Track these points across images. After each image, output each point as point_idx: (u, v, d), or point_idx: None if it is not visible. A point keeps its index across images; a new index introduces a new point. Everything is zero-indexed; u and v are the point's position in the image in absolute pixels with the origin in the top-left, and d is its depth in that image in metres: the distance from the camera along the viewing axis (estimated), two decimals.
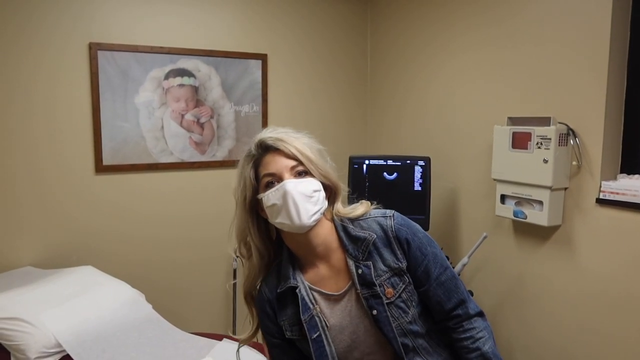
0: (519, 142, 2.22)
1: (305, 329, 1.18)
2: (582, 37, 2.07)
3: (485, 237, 2.38)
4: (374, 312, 1.16)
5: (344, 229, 1.21)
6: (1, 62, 2.45)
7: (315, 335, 1.18)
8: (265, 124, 3.11)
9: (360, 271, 1.17)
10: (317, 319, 1.19)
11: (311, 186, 1.14)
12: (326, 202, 1.19)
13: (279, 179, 1.15)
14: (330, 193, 1.22)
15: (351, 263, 1.18)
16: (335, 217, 1.23)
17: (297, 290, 1.19)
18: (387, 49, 3.25)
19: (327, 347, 1.18)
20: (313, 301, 1.20)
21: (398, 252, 1.19)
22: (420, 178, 2.63)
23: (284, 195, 1.12)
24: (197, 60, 2.88)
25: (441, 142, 2.83)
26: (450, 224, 2.80)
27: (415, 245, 1.20)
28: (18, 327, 1.93)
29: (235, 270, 3.07)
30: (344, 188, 1.25)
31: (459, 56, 2.68)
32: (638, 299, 1.93)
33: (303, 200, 1.12)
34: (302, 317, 1.18)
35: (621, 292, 1.99)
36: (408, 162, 2.65)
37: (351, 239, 1.19)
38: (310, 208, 1.13)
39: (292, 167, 1.15)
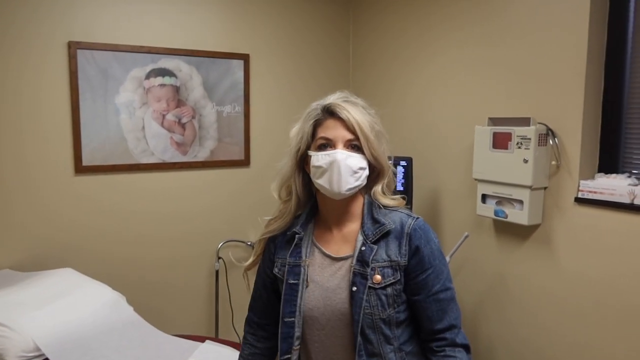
0: (500, 142, 2.25)
1: (285, 270, 1.27)
2: (560, 40, 2.10)
3: (466, 237, 2.41)
4: (354, 288, 1.18)
5: (370, 209, 1.25)
6: None
7: (292, 281, 1.25)
8: (247, 124, 3.09)
9: (363, 248, 1.20)
10: (302, 269, 1.25)
11: (359, 163, 1.20)
12: (366, 180, 1.23)
13: (333, 145, 1.21)
14: (375, 174, 1.26)
15: (360, 238, 1.22)
16: (367, 196, 1.27)
17: (297, 237, 1.27)
18: (369, 49, 3.26)
19: (297, 298, 1.24)
20: (307, 253, 1.27)
21: (403, 248, 1.20)
22: (403, 178, 2.65)
23: (332, 163, 1.18)
24: (178, 60, 2.86)
25: (423, 142, 2.85)
26: (432, 223, 2.82)
27: (424, 252, 1.20)
28: None
29: (217, 272, 3.05)
30: (390, 174, 1.28)
31: (440, 57, 2.71)
32: (615, 296, 1.97)
33: (347, 173, 1.18)
34: (287, 259, 1.27)
35: (599, 290, 2.03)
36: (390, 162, 2.66)
37: (372, 219, 1.23)
38: (351, 181, 1.19)
39: (349, 140, 1.20)
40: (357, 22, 3.37)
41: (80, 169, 2.66)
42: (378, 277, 1.18)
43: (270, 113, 3.18)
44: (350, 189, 1.20)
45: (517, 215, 2.22)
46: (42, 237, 2.62)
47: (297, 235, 1.28)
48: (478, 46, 2.48)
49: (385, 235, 1.21)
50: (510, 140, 2.20)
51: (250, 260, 1.38)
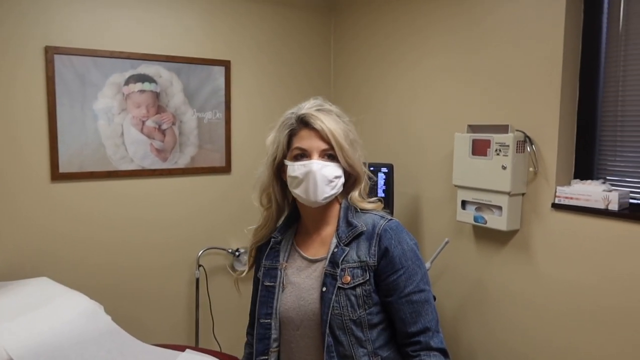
0: (479, 149, 2.29)
1: (261, 272, 1.33)
2: (537, 50, 2.15)
3: (447, 243, 2.43)
4: (324, 288, 1.21)
5: (346, 213, 1.28)
6: None
7: (268, 283, 1.31)
8: (228, 130, 3.08)
9: (335, 250, 1.23)
10: (278, 272, 1.31)
11: (334, 172, 1.23)
12: (342, 188, 1.27)
13: (308, 155, 1.23)
14: (352, 180, 1.30)
15: (334, 241, 1.24)
16: (344, 201, 1.30)
17: (275, 242, 1.33)
18: (350, 56, 3.29)
19: (274, 300, 1.28)
20: (287, 257, 1.32)
21: (373, 249, 1.21)
22: (384, 185, 2.66)
23: (308, 173, 1.21)
24: (158, 66, 2.83)
25: (403, 149, 2.87)
26: (413, 230, 2.84)
27: (394, 252, 1.21)
28: None
29: (197, 280, 3.02)
30: (367, 180, 1.32)
31: (420, 65, 2.74)
32: (592, 299, 2.01)
33: (323, 182, 1.21)
34: (264, 262, 1.33)
35: (576, 293, 2.06)
36: (371, 168, 2.65)
37: (346, 223, 1.26)
38: (327, 190, 1.23)
39: (324, 150, 1.23)
40: (338, 29, 3.39)
41: (57, 176, 2.61)
42: (347, 277, 1.19)
43: (251, 120, 3.18)
44: (326, 198, 1.24)
45: (496, 221, 2.25)
46: (17, 246, 2.55)
47: (272, 239, 1.34)
48: (458, 54, 2.52)
49: (358, 236, 1.23)
50: (489, 147, 2.24)
51: (244, 269, 1.46)
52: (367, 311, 1.19)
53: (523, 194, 2.24)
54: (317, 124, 1.22)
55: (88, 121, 2.67)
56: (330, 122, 1.23)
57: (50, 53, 2.53)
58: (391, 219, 1.26)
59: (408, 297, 1.19)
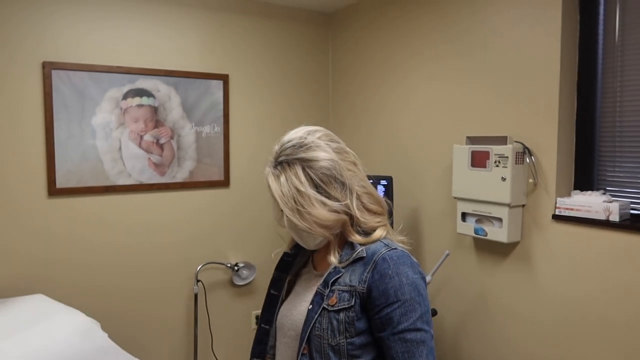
0: (478, 160, 2.28)
1: (270, 281, 1.33)
2: (534, 61, 2.15)
3: (447, 255, 2.41)
4: (310, 306, 1.16)
5: (350, 242, 1.18)
6: None
7: (273, 292, 1.32)
8: (227, 144, 3.07)
9: (332, 270, 1.17)
10: (284, 283, 1.30)
11: (305, 228, 1.13)
12: (332, 233, 1.16)
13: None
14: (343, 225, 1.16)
15: (334, 261, 1.18)
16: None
17: (287, 255, 1.33)
18: (348, 68, 3.29)
19: (277, 308, 1.29)
20: (298, 269, 1.31)
21: (365, 275, 1.11)
22: (383, 197, 2.64)
23: (288, 227, 1.18)
24: (156, 80, 2.84)
25: (403, 161, 2.87)
26: (413, 242, 2.81)
27: (390, 283, 1.09)
28: None
29: (196, 295, 2.98)
30: (358, 208, 1.16)
31: (418, 77, 2.75)
32: (593, 311, 1.99)
33: (302, 235, 1.17)
34: (274, 270, 1.33)
35: (577, 305, 2.04)
36: (371, 181, 2.65)
37: (350, 245, 1.18)
38: (311, 240, 1.18)
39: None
40: (335, 41, 3.41)
41: (54, 191, 2.60)
42: (334, 299, 1.12)
43: (250, 133, 3.17)
44: (318, 244, 1.19)
45: (497, 233, 2.24)
46: (12, 262, 2.53)
47: (284, 253, 1.34)
48: (455, 66, 2.52)
49: (357, 261, 1.14)
50: (488, 158, 2.23)
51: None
52: (347, 340, 1.10)
53: (523, 206, 2.22)
54: (268, 185, 1.15)
55: (86, 136, 2.66)
56: (275, 185, 1.13)
57: (48, 68, 2.53)
58: (395, 248, 1.14)
59: (401, 335, 1.07)
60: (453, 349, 2.59)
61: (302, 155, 1.12)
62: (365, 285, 1.11)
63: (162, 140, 2.88)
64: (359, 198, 1.15)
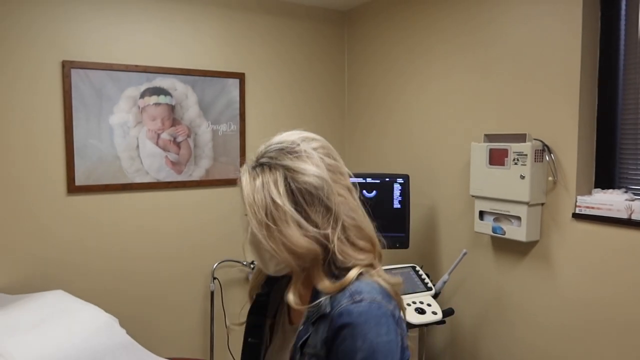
0: (496, 158, 2.25)
1: (245, 326, 1.12)
2: (554, 57, 2.12)
3: (465, 254, 2.39)
4: None
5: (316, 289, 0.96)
6: None
7: (251, 339, 1.10)
8: (243, 142, 3.08)
9: (302, 327, 0.95)
10: (264, 329, 1.10)
11: (267, 245, 0.92)
12: (298, 266, 0.94)
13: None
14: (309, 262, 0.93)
15: (291, 300, 0.96)
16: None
17: (259, 295, 1.11)
18: (364, 67, 3.28)
19: (260, 357, 1.08)
20: (275, 311, 1.10)
21: (325, 336, 0.90)
22: (400, 196, 2.63)
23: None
24: (173, 79, 2.85)
25: (419, 159, 2.85)
26: (430, 241, 2.80)
27: (342, 348, 0.87)
28: None
29: (212, 293, 3.00)
30: (339, 243, 0.92)
31: (436, 74, 2.72)
32: (614, 312, 1.95)
33: (261, 255, 0.96)
34: (248, 316, 1.12)
35: (598, 305, 2.01)
36: (387, 179, 2.66)
37: (315, 294, 0.95)
38: (272, 266, 0.96)
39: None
40: (351, 39, 3.39)
41: (73, 188, 2.63)
42: None
43: (266, 131, 3.14)
44: (279, 270, 0.97)
45: (515, 232, 2.21)
46: (33, 259, 2.57)
47: (257, 296, 1.11)
48: (473, 62, 2.50)
49: (321, 317, 0.92)
50: (506, 156, 2.20)
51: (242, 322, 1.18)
52: None
53: (542, 204, 2.19)
54: (241, 186, 0.95)
55: (104, 134, 2.69)
56: (248, 188, 0.92)
57: (67, 67, 2.57)
58: (361, 301, 0.88)
59: None
60: (470, 349, 2.57)
61: (288, 162, 0.92)
62: (324, 350, 0.90)
63: (179, 139, 2.90)
64: (344, 230, 0.93)
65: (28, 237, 2.55)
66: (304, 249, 0.90)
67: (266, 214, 0.90)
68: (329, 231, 0.91)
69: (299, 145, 0.95)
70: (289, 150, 0.94)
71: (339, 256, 0.91)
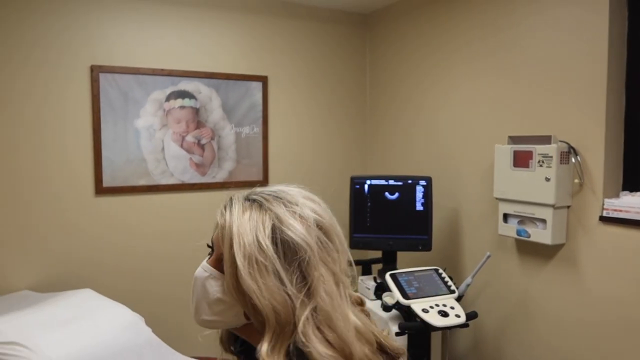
0: (521, 160, 2.23)
1: None
2: (580, 57, 2.09)
3: (488, 257, 2.36)
4: None
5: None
6: (5, 83, 2.46)
7: None
8: (265, 145, 3.11)
9: None
10: None
11: (220, 293, 0.84)
12: (237, 322, 0.85)
13: (211, 253, 0.89)
14: (254, 321, 0.81)
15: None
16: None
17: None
18: (385, 69, 3.28)
19: None
20: None
21: None
22: (422, 198, 2.62)
23: (194, 278, 0.87)
24: (198, 82, 2.90)
25: (442, 161, 2.83)
26: (453, 243, 2.79)
27: None
28: (15, 352, 1.89)
29: None
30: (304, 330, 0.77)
31: (458, 75, 2.71)
32: None
33: (203, 299, 0.85)
34: None
35: (626, 310, 1.97)
36: (410, 181, 2.65)
37: None
38: (207, 313, 0.86)
39: (221, 252, 0.84)
40: (373, 41, 3.40)
41: (101, 190, 2.69)
42: None
43: (288, 134, 3.20)
44: (206, 321, 0.87)
45: (540, 235, 2.18)
46: (62, 258, 2.63)
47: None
48: (497, 64, 2.47)
49: None
50: (531, 158, 2.18)
51: None
52: None
53: (568, 207, 2.16)
54: (225, 215, 0.85)
55: (130, 137, 2.74)
56: (242, 218, 0.82)
57: (96, 72, 2.63)
58: None
59: None
60: (493, 353, 2.54)
61: (280, 212, 0.82)
62: None
63: (203, 141, 2.94)
64: (315, 311, 0.78)
65: (57, 237, 2.62)
66: (279, 303, 0.77)
67: (250, 254, 0.79)
68: (297, 303, 0.78)
69: (297, 203, 0.84)
70: (284, 202, 0.84)
71: (300, 336, 0.76)
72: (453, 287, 2.36)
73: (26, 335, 1.96)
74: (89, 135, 2.66)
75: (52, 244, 2.61)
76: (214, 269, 0.85)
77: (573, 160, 2.11)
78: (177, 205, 2.91)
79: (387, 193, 2.67)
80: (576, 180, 2.13)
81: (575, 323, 2.16)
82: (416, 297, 2.27)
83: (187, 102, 2.88)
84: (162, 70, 2.80)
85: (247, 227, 0.80)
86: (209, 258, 0.88)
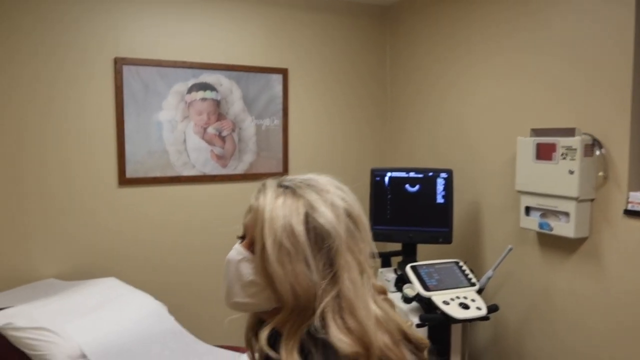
0: (544, 153, 2.21)
1: None
2: (605, 47, 2.06)
3: (510, 250, 2.35)
4: None
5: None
6: (29, 75, 2.51)
7: None
8: (285, 137, 3.13)
9: None
10: None
11: (250, 273, 0.85)
12: (268, 306, 0.85)
13: (244, 236, 0.90)
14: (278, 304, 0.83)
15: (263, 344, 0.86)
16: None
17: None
18: (406, 61, 3.27)
19: None
20: None
21: None
22: (443, 190, 2.61)
23: (226, 260, 0.89)
24: (219, 75, 2.92)
25: (463, 154, 2.82)
26: (473, 236, 2.78)
27: None
28: (44, 337, 1.94)
29: None
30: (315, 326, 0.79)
31: (479, 67, 2.69)
32: None
33: (236, 281, 0.86)
34: None
35: None
36: (430, 174, 2.64)
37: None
38: (240, 295, 0.86)
39: (244, 236, 0.89)
40: (394, 34, 3.38)
41: (124, 181, 2.74)
42: None
43: (308, 126, 3.21)
44: (239, 304, 0.88)
45: (563, 228, 2.16)
46: (87, 247, 2.69)
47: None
48: (519, 56, 2.45)
49: None
50: (554, 151, 2.16)
51: None
52: None
53: (592, 200, 2.14)
54: (259, 199, 0.86)
55: (153, 129, 2.78)
56: (275, 203, 0.83)
57: (119, 64, 2.67)
58: None
59: None
60: (515, 346, 2.53)
61: (312, 199, 0.84)
62: None
63: (224, 133, 2.97)
64: (338, 298, 0.80)
65: (82, 227, 2.67)
66: (301, 288, 0.80)
67: (281, 239, 0.81)
68: (320, 290, 0.80)
69: (328, 192, 0.86)
70: (316, 190, 0.86)
71: (318, 322, 0.78)
72: (474, 280, 2.35)
73: (54, 321, 2.01)
74: (112, 127, 2.70)
75: (77, 234, 2.66)
76: (248, 252, 0.86)
77: (597, 152, 2.08)
78: (199, 197, 2.94)
79: (407, 185, 2.66)
80: (600, 173, 2.10)
81: (598, 317, 2.14)
82: (437, 289, 2.27)
83: (208, 94, 2.90)
84: (184, 62, 2.83)
85: (279, 212, 0.82)
86: (242, 242, 0.89)
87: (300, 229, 0.81)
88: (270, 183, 0.88)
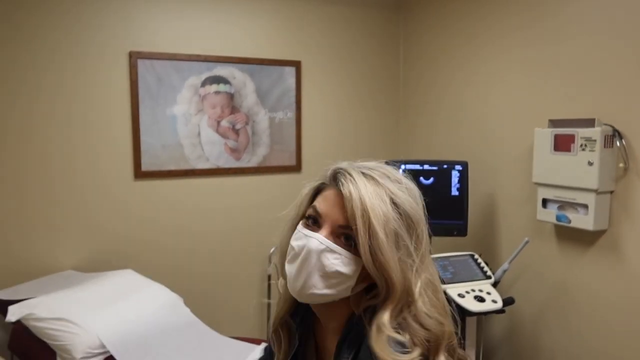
0: (562, 144, 2.17)
1: None
2: (625, 36, 2.02)
3: (527, 242, 2.33)
4: None
5: (349, 333, 0.86)
6: (45, 69, 2.53)
7: None
8: (299, 130, 3.12)
9: None
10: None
11: (339, 265, 0.83)
12: (349, 292, 0.86)
13: (318, 224, 0.86)
14: (382, 292, 0.83)
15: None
16: (361, 313, 0.85)
17: (294, 327, 0.96)
18: (420, 53, 3.24)
19: None
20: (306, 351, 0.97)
21: None
22: (458, 183, 2.59)
23: (302, 250, 0.85)
24: (232, 68, 2.92)
25: (478, 146, 2.79)
26: (489, 229, 2.75)
27: None
28: (64, 328, 1.97)
29: (269, 276, 3.07)
30: (425, 303, 0.83)
31: (496, 58, 2.65)
32: None
33: (316, 271, 0.84)
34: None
35: None
36: (445, 166, 2.62)
37: (347, 347, 0.85)
38: (319, 286, 0.84)
39: (340, 226, 0.84)
40: (407, 26, 3.35)
41: (140, 174, 2.76)
42: None
43: (321, 119, 3.20)
44: (315, 295, 0.85)
45: (582, 221, 2.13)
46: (104, 240, 2.71)
47: (295, 327, 0.97)
48: (536, 46, 2.41)
49: None
50: (573, 142, 2.12)
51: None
52: None
53: (612, 192, 2.10)
54: (346, 186, 0.83)
55: (167, 122, 2.79)
56: (368, 190, 0.82)
57: (134, 57, 2.68)
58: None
59: None
60: (531, 339, 2.51)
61: (391, 187, 0.84)
62: None
63: (238, 126, 2.97)
64: (427, 279, 0.85)
65: (99, 221, 2.70)
66: (405, 274, 0.81)
67: (384, 222, 0.81)
68: (414, 273, 0.82)
69: (400, 181, 0.87)
70: (392, 179, 0.86)
71: (414, 307, 0.81)
72: (489, 273, 2.33)
73: (73, 312, 2.04)
74: (128, 120, 2.71)
75: (95, 227, 2.69)
76: (332, 242, 0.84)
77: (617, 143, 2.05)
78: (213, 190, 2.95)
79: (422, 178, 2.65)
80: (620, 165, 2.06)
81: (617, 311, 2.11)
82: (452, 282, 2.26)
83: (222, 87, 2.91)
84: (198, 55, 2.83)
85: (374, 200, 0.81)
86: (337, 240, 0.85)
87: (396, 216, 0.82)
88: (353, 171, 0.85)
